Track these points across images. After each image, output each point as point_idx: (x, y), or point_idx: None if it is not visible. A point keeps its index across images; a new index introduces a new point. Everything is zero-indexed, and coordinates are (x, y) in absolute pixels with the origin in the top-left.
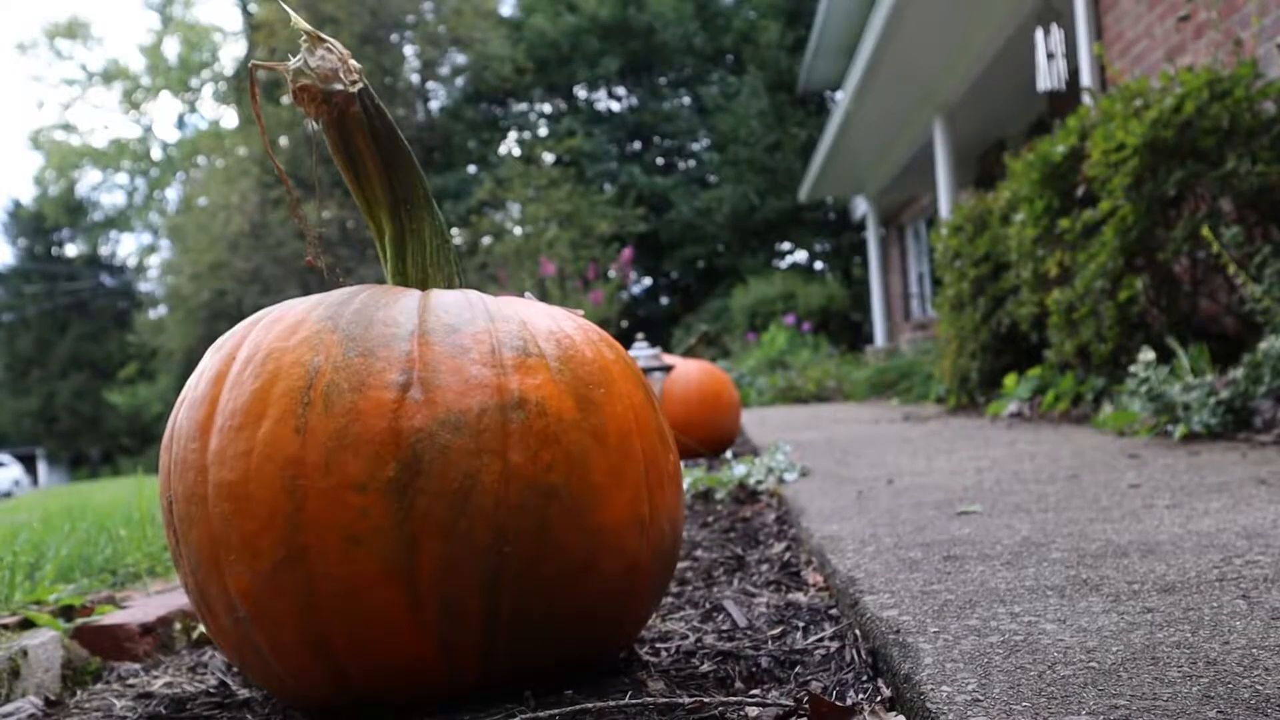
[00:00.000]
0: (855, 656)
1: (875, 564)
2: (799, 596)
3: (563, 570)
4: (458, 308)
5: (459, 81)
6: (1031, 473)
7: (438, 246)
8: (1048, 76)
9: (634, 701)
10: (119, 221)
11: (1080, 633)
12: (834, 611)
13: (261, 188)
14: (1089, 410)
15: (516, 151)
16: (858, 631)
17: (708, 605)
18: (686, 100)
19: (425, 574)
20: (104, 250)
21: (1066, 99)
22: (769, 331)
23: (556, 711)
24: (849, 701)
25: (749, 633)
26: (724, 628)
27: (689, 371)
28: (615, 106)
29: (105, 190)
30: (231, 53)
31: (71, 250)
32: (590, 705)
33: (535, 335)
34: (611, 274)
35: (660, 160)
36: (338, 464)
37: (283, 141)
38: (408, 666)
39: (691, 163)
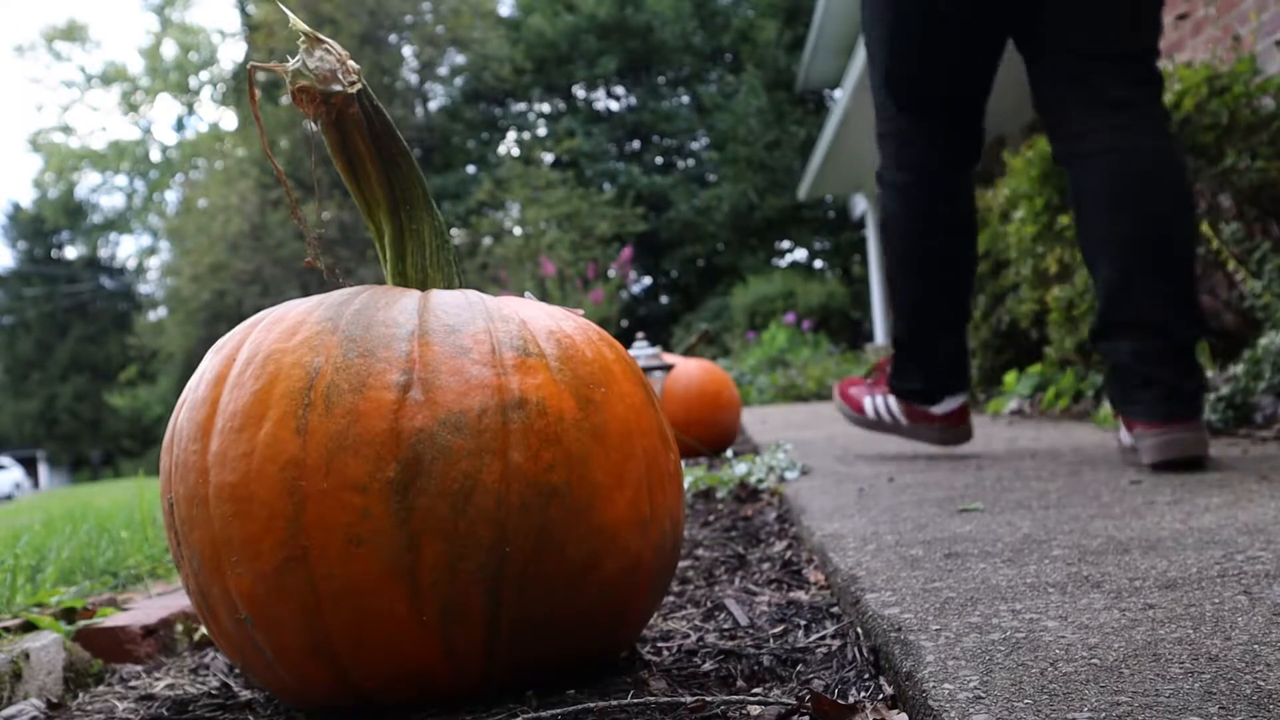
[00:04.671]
0: (857, 654)
1: (876, 562)
2: (800, 595)
3: (564, 570)
4: (457, 308)
5: (458, 82)
6: (1032, 470)
7: (437, 247)
8: None
9: (636, 701)
10: (118, 224)
11: (1082, 629)
12: (835, 610)
13: (261, 189)
14: (1090, 407)
15: (515, 152)
16: (859, 629)
17: (709, 604)
18: (685, 99)
19: (427, 574)
20: (104, 252)
21: None
22: (769, 330)
23: (559, 711)
24: (851, 699)
25: (751, 631)
26: (725, 626)
27: (689, 370)
28: (614, 106)
29: (104, 192)
30: (230, 54)
31: (71, 253)
32: (592, 705)
33: (535, 335)
34: (611, 273)
35: (659, 159)
36: (338, 465)
37: (282, 143)
38: (410, 667)
39: (690, 162)
